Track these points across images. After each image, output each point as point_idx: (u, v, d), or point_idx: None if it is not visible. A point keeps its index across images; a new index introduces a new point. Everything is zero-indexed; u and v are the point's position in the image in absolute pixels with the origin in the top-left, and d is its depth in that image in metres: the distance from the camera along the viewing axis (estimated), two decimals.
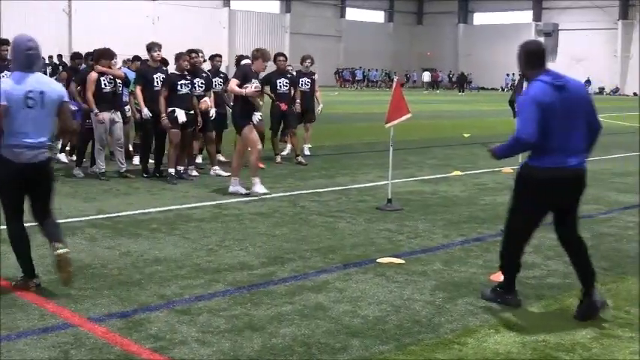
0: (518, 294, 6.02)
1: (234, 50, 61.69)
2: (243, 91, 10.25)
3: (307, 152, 15.26)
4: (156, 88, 11.77)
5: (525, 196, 5.77)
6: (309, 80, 14.79)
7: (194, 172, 12.18)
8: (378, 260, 7.17)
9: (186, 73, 11.61)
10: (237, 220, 8.94)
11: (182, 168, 11.85)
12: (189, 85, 11.59)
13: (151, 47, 12.17)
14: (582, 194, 5.81)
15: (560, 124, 5.53)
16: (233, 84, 10.38)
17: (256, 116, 10.50)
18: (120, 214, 9.15)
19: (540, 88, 5.57)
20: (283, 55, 14.38)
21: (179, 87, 11.41)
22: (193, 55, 12.32)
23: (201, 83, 12.23)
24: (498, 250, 6.12)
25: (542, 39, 70.90)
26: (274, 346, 4.97)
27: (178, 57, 11.68)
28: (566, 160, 5.58)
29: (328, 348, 4.96)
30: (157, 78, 11.86)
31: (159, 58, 12.19)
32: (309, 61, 14.95)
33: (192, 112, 11.57)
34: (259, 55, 10.47)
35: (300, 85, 14.58)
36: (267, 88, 13.91)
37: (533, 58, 5.72)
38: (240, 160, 10.69)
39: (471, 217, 9.47)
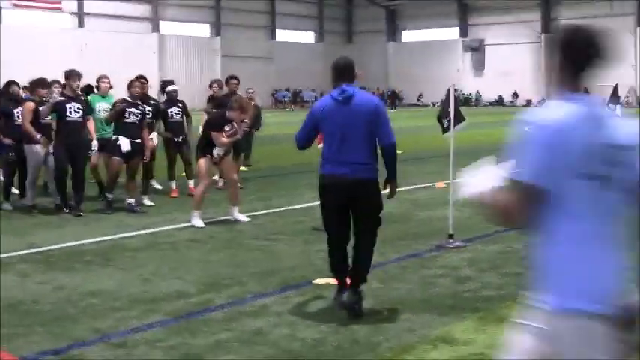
0: (343, 296, 6.21)
1: (165, 74, 61.27)
2: (225, 141, 10.11)
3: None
4: (69, 119, 10.96)
5: (320, 198, 6.39)
6: None
7: (148, 202, 11.97)
8: (315, 281, 7.18)
9: (138, 101, 11.40)
10: (172, 247, 8.85)
11: (133, 201, 11.41)
12: (139, 115, 11.28)
13: (69, 75, 11.29)
14: (366, 202, 6.18)
15: (335, 135, 6.08)
16: (220, 137, 10.06)
17: (217, 151, 10.16)
18: (52, 247, 8.94)
19: (323, 101, 6.33)
20: (236, 78, 14.01)
21: (127, 115, 11.15)
22: (142, 80, 12.15)
23: (148, 110, 12.01)
24: (432, 265, 6.19)
25: (468, 55, 72.52)
26: None
27: (130, 84, 11.46)
28: (336, 169, 6.08)
29: None
30: (70, 108, 10.98)
31: (76, 88, 11.38)
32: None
33: (138, 140, 11.27)
34: (237, 106, 10.15)
35: None
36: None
37: (335, 73, 6.25)
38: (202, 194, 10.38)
39: (406, 233, 9.56)
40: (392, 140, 6.26)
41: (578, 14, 65.16)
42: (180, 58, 63.60)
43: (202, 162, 10.22)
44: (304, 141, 6.40)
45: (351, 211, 6.26)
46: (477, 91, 72.55)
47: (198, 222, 10.14)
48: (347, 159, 6.06)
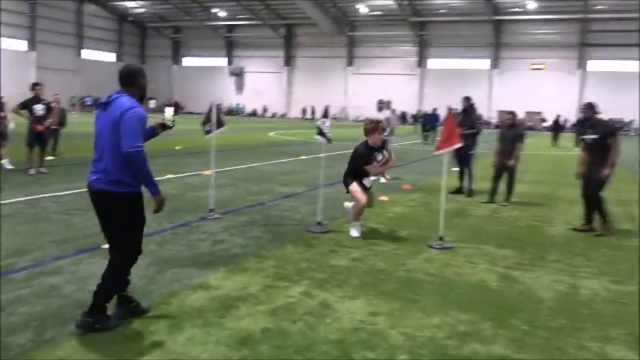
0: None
1: None
2: (381, 169, 8.22)
3: (9, 166, 13.30)
4: None
5: None
6: None
7: None
8: (104, 246, 6.74)
9: None
10: None
11: None
12: None
13: None
14: (109, 218, 4.51)
15: (96, 140, 4.52)
16: (376, 168, 8.00)
17: (367, 181, 8.08)
18: None
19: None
20: (39, 84, 12.99)
21: None
22: None
23: None
24: (196, 232, 5.99)
25: (232, 78, 72.56)
26: (11, 323, 4.45)
27: None
28: (90, 177, 4.54)
29: (59, 319, 4.57)
30: None
31: None
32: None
33: None
34: (372, 128, 7.86)
35: None
36: (26, 112, 12.60)
37: (119, 79, 4.58)
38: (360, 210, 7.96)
39: (179, 208, 9.34)
40: (128, 149, 4.27)
41: (310, 54, 67.88)
42: None
43: (353, 186, 7.94)
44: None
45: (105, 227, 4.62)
46: (238, 104, 72.99)
47: (354, 232, 7.96)
48: (98, 166, 4.45)
